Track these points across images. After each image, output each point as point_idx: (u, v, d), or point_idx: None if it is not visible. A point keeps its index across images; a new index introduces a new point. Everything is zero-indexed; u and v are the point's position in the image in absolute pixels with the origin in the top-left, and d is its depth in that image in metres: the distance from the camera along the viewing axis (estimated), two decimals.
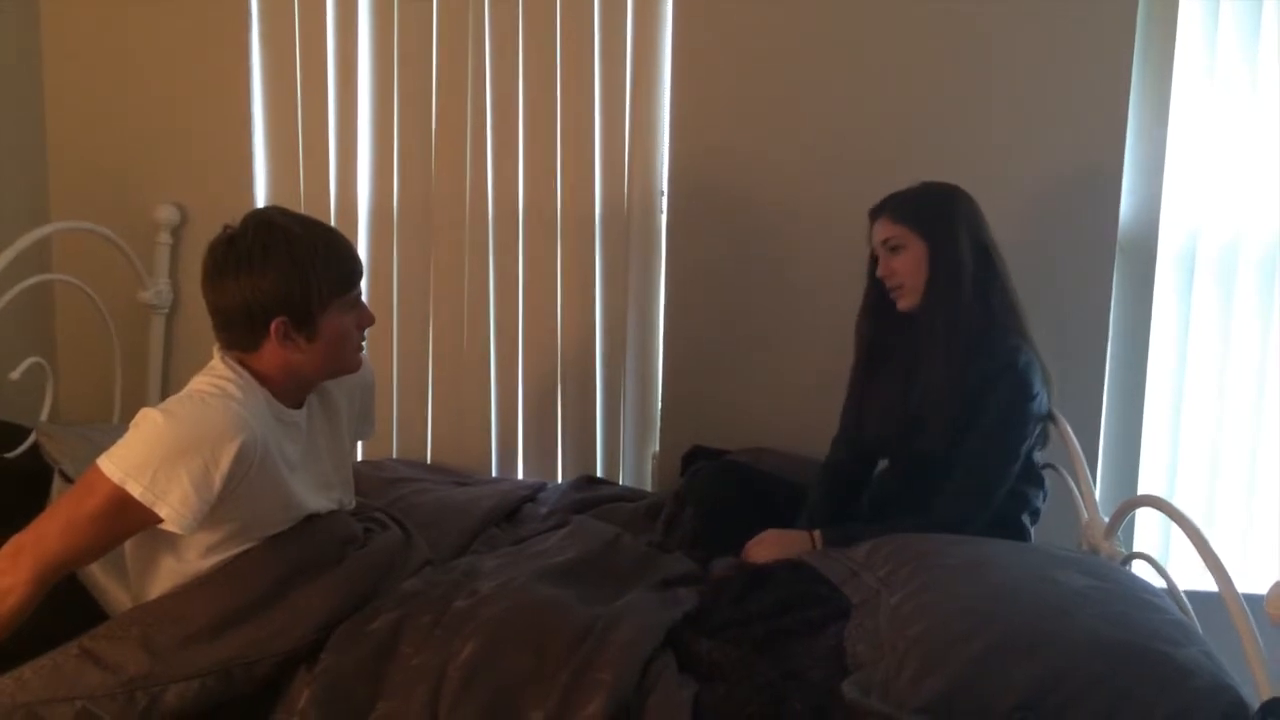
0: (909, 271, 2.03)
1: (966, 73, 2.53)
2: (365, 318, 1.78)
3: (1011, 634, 1.49)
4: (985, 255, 2.03)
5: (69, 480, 2.06)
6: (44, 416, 2.37)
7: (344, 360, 1.77)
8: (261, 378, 1.70)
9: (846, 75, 2.58)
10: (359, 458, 2.80)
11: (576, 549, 2.01)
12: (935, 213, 2.03)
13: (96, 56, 2.81)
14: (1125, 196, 2.52)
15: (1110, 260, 2.53)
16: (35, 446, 2.19)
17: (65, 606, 1.70)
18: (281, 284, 1.64)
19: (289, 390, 1.74)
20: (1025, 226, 2.51)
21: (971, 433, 1.98)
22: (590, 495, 2.49)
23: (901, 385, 2.09)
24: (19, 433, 2.24)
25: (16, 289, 2.31)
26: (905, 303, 2.06)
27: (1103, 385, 2.57)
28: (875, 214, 2.10)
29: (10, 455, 2.18)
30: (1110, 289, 2.54)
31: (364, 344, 1.83)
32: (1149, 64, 2.48)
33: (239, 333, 1.68)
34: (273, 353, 1.68)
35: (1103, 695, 1.40)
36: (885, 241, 2.05)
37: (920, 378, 2.04)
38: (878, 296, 2.13)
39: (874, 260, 2.11)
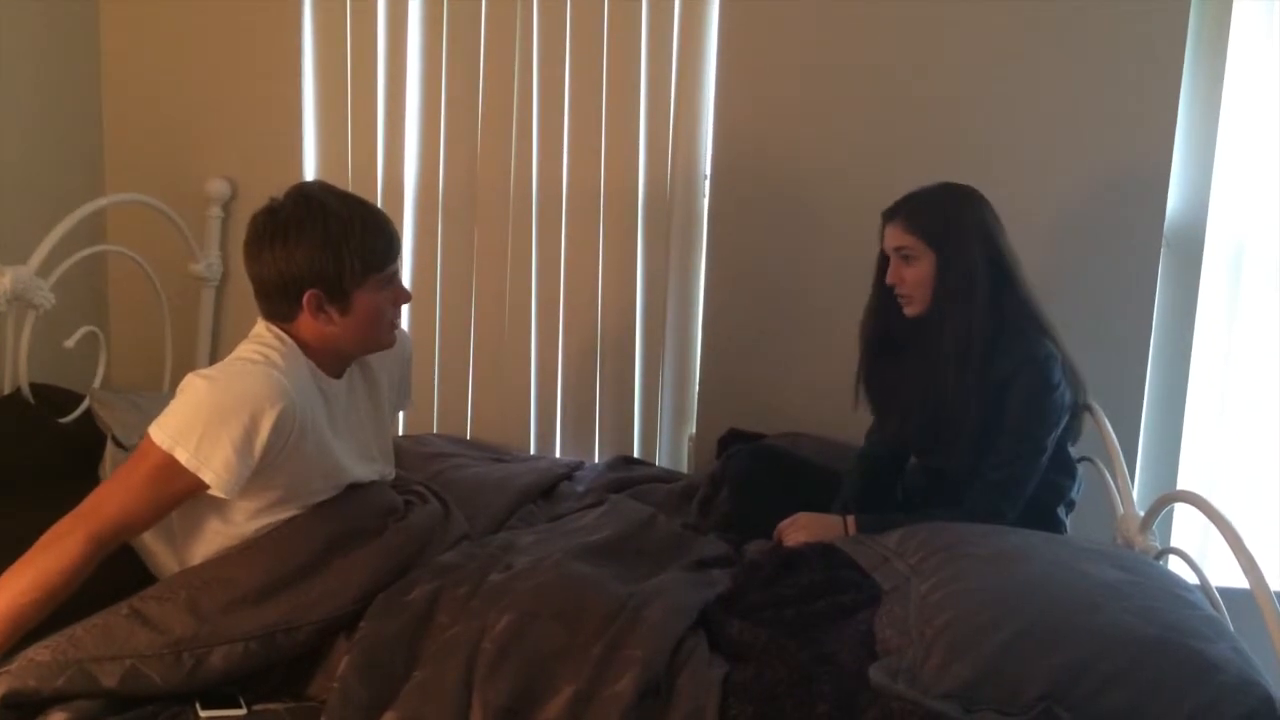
0: (918, 282, 2.01)
1: (1016, 66, 2.51)
2: (401, 295, 1.80)
3: (1039, 624, 1.50)
4: (998, 262, 2.00)
5: (119, 445, 2.11)
6: (97, 384, 2.42)
7: (377, 336, 1.79)
8: (303, 346, 1.73)
9: (894, 66, 2.56)
10: (400, 431, 2.84)
11: (612, 528, 2.03)
12: (948, 223, 1.99)
13: (153, 32, 2.85)
14: (1173, 193, 2.50)
15: (1156, 256, 2.51)
16: (88, 412, 2.25)
17: (114, 568, 1.75)
18: (314, 257, 1.66)
19: (328, 361, 1.77)
20: (1072, 221, 2.49)
21: (997, 429, 1.98)
22: (626, 475, 2.51)
23: (920, 385, 2.06)
24: (73, 399, 2.30)
25: (73, 259, 2.36)
26: (912, 310, 2.04)
27: (1144, 380, 2.55)
28: (888, 217, 2.05)
29: (64, 420, 2.24)
30: (1155, 285, 2.52)
31: (400, 320, 1.84)
32: (1201, 62, 2.45)
33: (275, 303, 1.71)
34: (308, 324, 1.71)
35: (1129, 687, 1.41)
36: (897, 249, 2.02)
37: (934, 388, 2.02)
38: (884, 298, 2.09)
39: (883, 259, 2.08)
